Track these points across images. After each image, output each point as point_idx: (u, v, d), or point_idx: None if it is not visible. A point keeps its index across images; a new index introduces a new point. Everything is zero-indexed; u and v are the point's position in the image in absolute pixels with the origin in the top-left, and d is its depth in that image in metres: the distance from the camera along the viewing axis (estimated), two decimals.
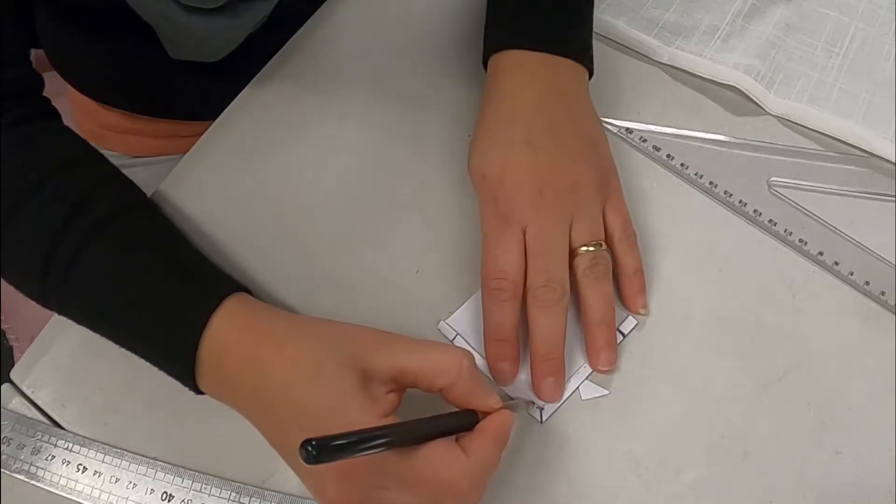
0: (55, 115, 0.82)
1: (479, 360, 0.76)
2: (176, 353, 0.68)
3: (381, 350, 0.64)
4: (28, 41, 0.81)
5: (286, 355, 0.64)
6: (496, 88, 0.82)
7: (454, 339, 0.77)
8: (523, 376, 0.76)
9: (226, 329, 0.67)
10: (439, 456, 0.61)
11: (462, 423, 0.65)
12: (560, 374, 0.74)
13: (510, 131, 0.79)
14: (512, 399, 0.75)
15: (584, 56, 0.85)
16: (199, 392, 0.70)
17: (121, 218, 0.73)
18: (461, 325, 0.78)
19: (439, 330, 0.78)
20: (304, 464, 0.53)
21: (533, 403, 0.75)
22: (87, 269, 0.71)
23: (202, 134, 0.90)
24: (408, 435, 0.61)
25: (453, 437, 0.64)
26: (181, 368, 0.68)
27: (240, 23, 0.84)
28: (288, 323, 0.69)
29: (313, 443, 0.53)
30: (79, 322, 0.74)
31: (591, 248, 0.76)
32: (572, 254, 0.76)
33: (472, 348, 0.77)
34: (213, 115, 0.91)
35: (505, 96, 0.81)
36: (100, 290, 0.71)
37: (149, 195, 0.82)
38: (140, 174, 0.81)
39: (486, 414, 0.66)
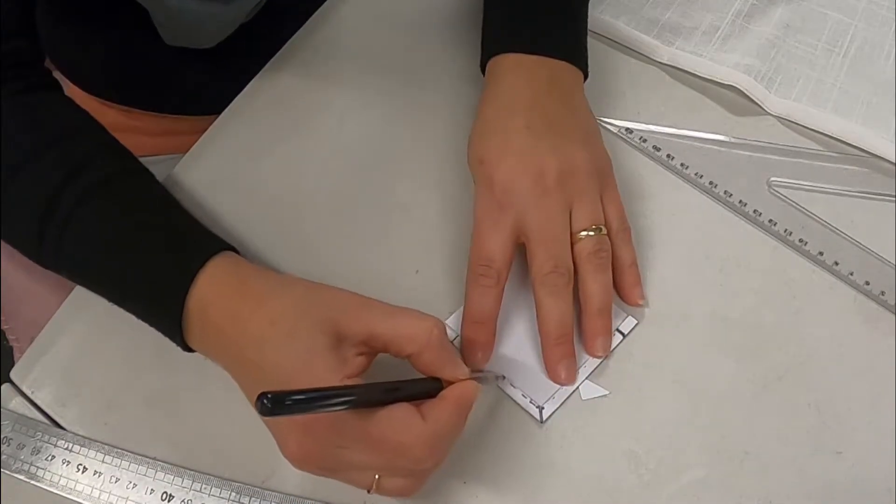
0: (56, 86, 0.83)
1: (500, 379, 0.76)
2: (165, 310, 0.70)
3: (355, 314, 0.65)
4: (30, 13, 0.81)
5: (265, 313, 0.65)
6: (495, 86, 0.83)
7: (455, 339, 0.77)
8: (526, 367, 0.76)
9: (211, 286, 0.69)
10: (397, 419, 0.62)
11: (426, 389, 0.66)
12: (573, 357, 0.75)
13: (509, 120, 0.79)
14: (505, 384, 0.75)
15: (579, 59, 0.85)
16: (187, 349, 0.71)
17: (116, 181, 0.75)
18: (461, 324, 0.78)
19: None
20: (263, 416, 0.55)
21: (503, 377, 0.76)
22: (82, 229, 0.73)
23: (200, 131, 0.90)
24: (367, 397, 0.62)
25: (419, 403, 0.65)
26: (170, 324, 0.70)
27: (233, 8, 0.84)
28: (270, 281, 0.70)
29: (269, 396, 0.54)
30: (74, 281, 0.76)
31: (592, 233, 0.76)
32: (572, 240, 0.77)
33: (493, 366, 0.77)
34: (210, 110, 0.91)
35: (504, 92, 0.82)
36: (94, 249, 0.73)
37: None
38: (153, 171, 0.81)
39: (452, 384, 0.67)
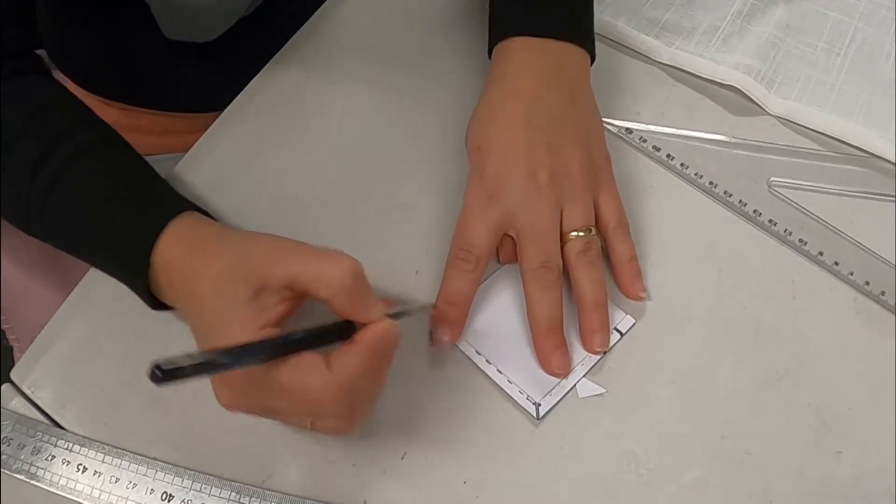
0: (46, 71, 0.85)
1: (496, 375, 0.76)
2: (134, 268, 0.72)
3: (277, 260, 0.65)
4: (30, 1, 0.83)
5: (207, 272, 0.66)
6: (500, 70, 0.83)
7: (475, 357, 0.77)
8: (522, 363, 0.77)
9: (171, 245, 0.70)
10: (301, 369, 0.62)
11: (340, 335, 0.65)
12: (565, 347, 0.76)
13: (511, 110, 0.80)
14: (512, 384, 0.75)
15: (586, 41, 0.85)
16: (156, 307, 0.74)
17: (95, 150, 0.77)
18: (477, 341, 0.78)
19: (458, 347, 0.78)
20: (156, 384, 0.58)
21: (431, 306, 0.78)
22: (63, 196, 0.74)
23: (200, 130, 0.90)
24: (266, 353, 0.62)
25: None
26: (139, 282, 0.72)
27: (231, 1, 0.84)
28: (221, 240, 0.70)
29: (160, 367, 0.57)
30: (60, 248, 0.78)
31: (582, 234, 0.77)
32: (563, 239, 0.77)
33: (489, 362, 0.77)
34: (210, 107, 0.92)
35: (509, 77, 0.82)
36: (73, 214, 0.75)
37: None
38: None
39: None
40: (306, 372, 0.62)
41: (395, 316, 0.67)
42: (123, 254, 0.73)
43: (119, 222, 0.73)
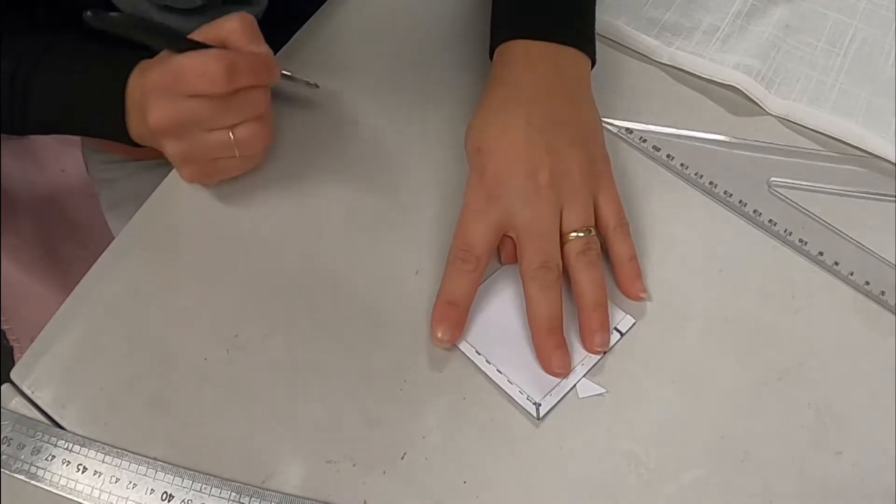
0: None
1: (497, 375, 0.76)
2: (112, 116, 0.82)
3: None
4: None
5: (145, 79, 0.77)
6: (501, 73, 0.84)
7: (474, 357, 0.77)
8: (523, 363, 0.77)
9: (133, 88, 0.80)
10: (199, 53, 0.73)
11: None
12: (565, 347, 0.76)
13: (511, 111, 0.80)
14: (511, 385, 0.75)
15: (587, 45, 0.86)
16: (133, 143, 0.85)
17: (60, 47, 0.87)
18: (477, 341, 0.78)
19: (458, 347, 0.78)
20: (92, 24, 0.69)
21: (316, 85, 0.89)
22: (39, 84, 0.85)
23: None
24: (180, 41, 0.74)
25: None
26: (119, 127, 0.83)
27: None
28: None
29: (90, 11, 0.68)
30: (46, 130, 0.93)
31: (582, 234, 0.77)
32: (562, 239, 0.78)
33: (489, 362, 0.77)
34: None
35: (508, 80, 0.83)
36: (53, 95, 0.86)
37: (150, 196, 0.85)
38: (145, 177, 0.84)
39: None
40: (201, 53, 0.72)
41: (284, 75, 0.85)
42: (105, 110, 0.82)
43: (95, 83, 0.83)
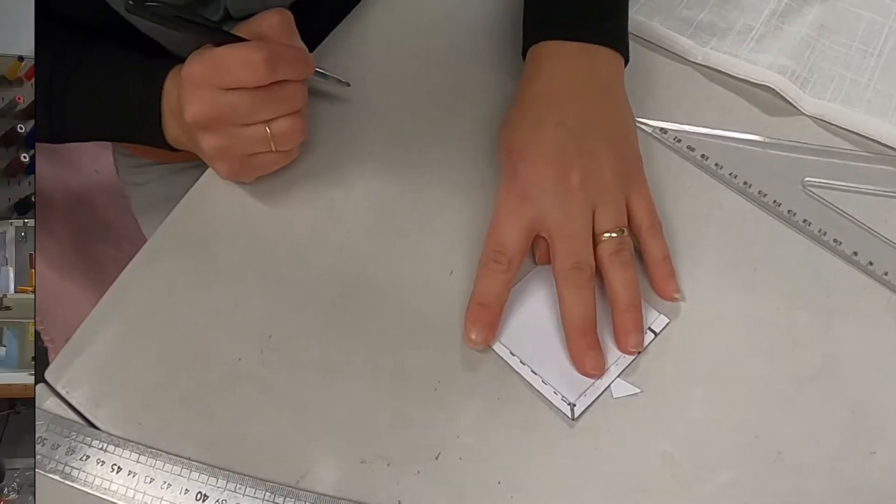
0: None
1: (531, 376, 0.76)
2: (149, 121, 0.83)
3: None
4: None
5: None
6: (534, 74, 0.84)
7: (509, 358, 0.77)
8: (557, 364, 0.76)
9: (169, 92, 0.81)
10: (236, 45, 0.75)
11: None
12: (599, 348, 0.75)
13: (543, 112, 0.80)
14: (546, 385, 0.75)
15: (620, 44, 0.85)
16: (170, 147, 0.86)
17: (91, 57, 0.87)
18: (511, 342, 0.78)
19: (492, 348, 0.78)
20: (127, 12, 0.71)
21: (348, 84, 0.89)
22: (75, 95, 0.86)
23: None
24: (220, 35, 0.76)
25: None
26: (156, 132, 0.84)
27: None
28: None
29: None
30: (83, 138, 0.95)
31: (615, 235, 0.77)
32: (595, 240, 0.77)
33: (523, 363, 0.76)
34: None
35: (541, 80, 0.83)
36: (89, 104, 0.86)
37: (180, 200, 0.86)
38: (175, 179, 0.85)
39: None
40: (242, 44, 0.75)
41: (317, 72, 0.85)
42: (140, 117, 0.83)
43: (130, 97, 0.84)
